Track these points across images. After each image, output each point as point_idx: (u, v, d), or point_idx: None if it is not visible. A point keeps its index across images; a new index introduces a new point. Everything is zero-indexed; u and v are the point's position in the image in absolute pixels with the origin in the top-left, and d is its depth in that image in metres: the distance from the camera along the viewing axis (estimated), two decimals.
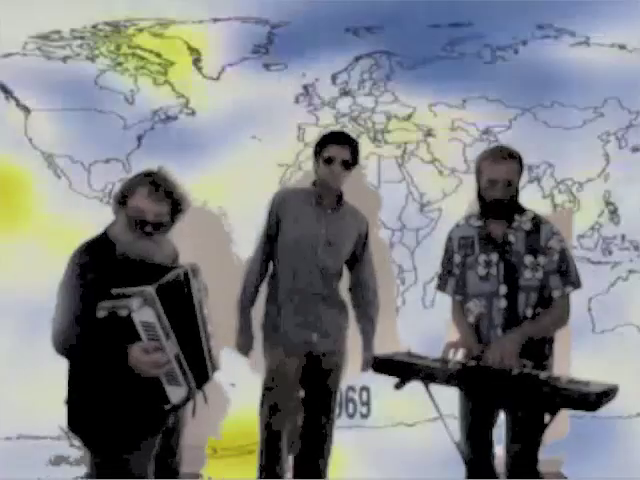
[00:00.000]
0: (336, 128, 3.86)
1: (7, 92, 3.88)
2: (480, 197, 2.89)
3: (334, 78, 4.01)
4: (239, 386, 3.81)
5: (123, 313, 2.15)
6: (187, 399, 2.36)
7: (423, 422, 3.85)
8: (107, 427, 2.27)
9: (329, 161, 3.11)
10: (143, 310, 2.17)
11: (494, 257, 2.84)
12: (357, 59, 4.01)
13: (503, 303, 2.80)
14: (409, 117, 4.00)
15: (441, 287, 3.05)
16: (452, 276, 2.98)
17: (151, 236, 2.35)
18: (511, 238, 2.82)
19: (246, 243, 3.85)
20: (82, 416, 2.31)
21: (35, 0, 3.75)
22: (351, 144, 3.15)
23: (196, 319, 2.38)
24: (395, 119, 4.00)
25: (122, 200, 2.36)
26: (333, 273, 3.19)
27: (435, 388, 2.73)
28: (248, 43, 3.96)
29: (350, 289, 3.33)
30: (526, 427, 2.71)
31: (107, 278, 2.22)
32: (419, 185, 4.00)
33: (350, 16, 3.88)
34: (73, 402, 2.34)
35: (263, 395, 3.13)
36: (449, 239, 3.03)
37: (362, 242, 3.27)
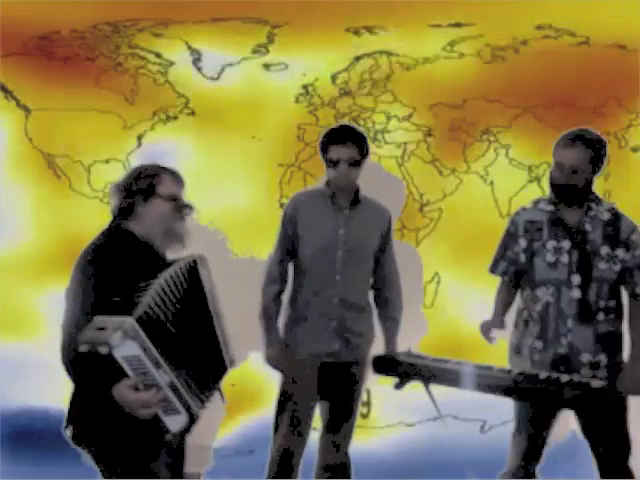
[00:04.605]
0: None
1: (7, 92, 3.88)
2: (550, 180, 2.77)
3: (334, 78, 4.01)
4: (239, 386, 3.81)
5: (103, 351, 1.98)
6: (191, 423, 2.23)
7: (423, 422, 3.85)
8: (113, 442, 2.17)
9: (334, 163, 2.96)
10: (125, 345, 2.00)
11: (565, 244, 2.71)
12: (357, 59, 4.01)
13: (577, 293, 2.68)
14: (409, 117, 4.00)
15: (492, 269, 2.91)
16: (505, 260, 2.85)
17: (183, 219, 2.33)
18: (587, 227, 2.71)
19: (246, 243, 3.87)
20: (87, 431, 2.21)
21: (36, 0, 3.75)
22: (355, 140, 2.97)
23: (208, 309, 2.29)
24: (395, 119, 4.01)
25: (150, 191, 2.28)
26: (357, 278, 3.02)
27: (435, 388, 2.74)
28: (248, 43, 3.97)
29: (373, 287, 3.14)
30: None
31: (123, 282, 2.11)
32: (419, 185, 4.00)
33: (350, 16, 3.88)
34: (77, 416, 2.24)
35: (279, 409, 3.02)
36: (512, 222, 2.86)
37: (385, 239, 3.10)
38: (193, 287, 2.24)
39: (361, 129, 3.15)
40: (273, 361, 3.03)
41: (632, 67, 3.91)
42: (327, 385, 3.03)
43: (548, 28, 3.95)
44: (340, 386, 3.05)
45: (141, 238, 2.27)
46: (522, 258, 2.78)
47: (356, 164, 2.96)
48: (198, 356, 2.22)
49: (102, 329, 2.01)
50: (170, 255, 2.35)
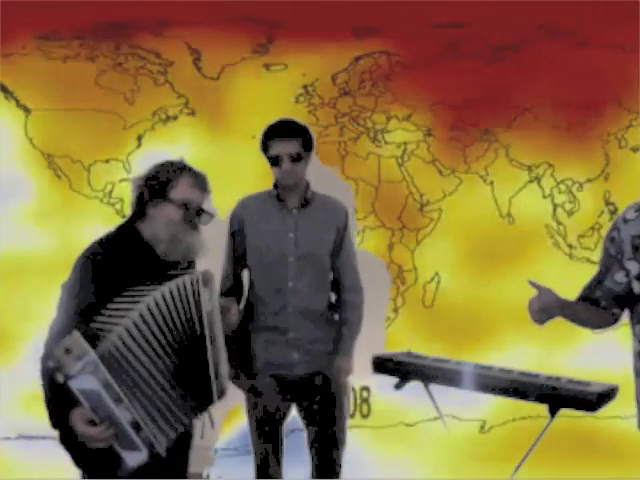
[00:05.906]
0: (336, 127, 3.87)
1: (7, 92, 3.88)
2: None
3: (334, 78, 4.01)
4: None
5: (59, 379, 1.83)
6: (155, 458, 1.99)
7: (423, 422, 3.85)
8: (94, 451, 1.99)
9: (275, 161, 2.75)
10: (83, 378, 1.84)
11: None
12: (357, 59, 4.01)
13: None
14: (409, 117, 4.00)
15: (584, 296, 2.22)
16: (600, 290, 2.19)
17: (196, 228, 2.16)
18: None
19: None
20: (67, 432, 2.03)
21: (36, 0, 3.75)
22: (295, 134, 2.77)
23: (203, 336, 2.01)
24: (395, 119, 4.00)
25: (162, 193, 2.12)
26: (314, 283, 2.81)
27: (435, 388, 2.74)
28: (248, 43, 3.97)
29: (331, 286, 2.94)
30: None
31: (115, 284, 1.99)
32: (419, 185, 4.00)
33: (350, 16, 3.88)
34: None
35: (248, 420, 2.94)
36: (612, 240, 2.15)
37: (341, 236, 2.87)
38: (188, 312, 2.00)
39: (302, 122, 2.91)
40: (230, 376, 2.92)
41: (632, 67, 3.91)
42: (296, 398, 2.88)
43: (548, 28, 3.95)
44: (309, 399, 2.86)
45: (148, 242, 2.13)
46: (637, 287, 2.11)
47: (299, 159, 2.75)
48: (179, 388, 2.00)
49: (68, 352, 1.85)
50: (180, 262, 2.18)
